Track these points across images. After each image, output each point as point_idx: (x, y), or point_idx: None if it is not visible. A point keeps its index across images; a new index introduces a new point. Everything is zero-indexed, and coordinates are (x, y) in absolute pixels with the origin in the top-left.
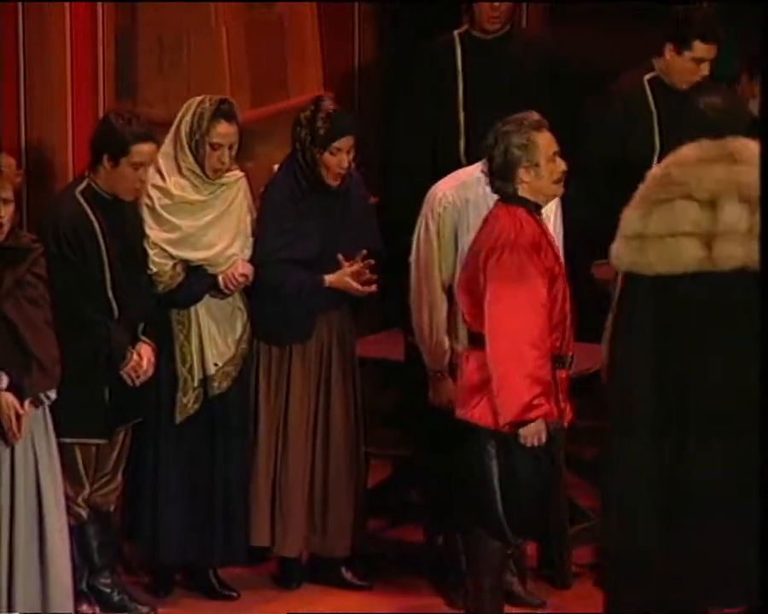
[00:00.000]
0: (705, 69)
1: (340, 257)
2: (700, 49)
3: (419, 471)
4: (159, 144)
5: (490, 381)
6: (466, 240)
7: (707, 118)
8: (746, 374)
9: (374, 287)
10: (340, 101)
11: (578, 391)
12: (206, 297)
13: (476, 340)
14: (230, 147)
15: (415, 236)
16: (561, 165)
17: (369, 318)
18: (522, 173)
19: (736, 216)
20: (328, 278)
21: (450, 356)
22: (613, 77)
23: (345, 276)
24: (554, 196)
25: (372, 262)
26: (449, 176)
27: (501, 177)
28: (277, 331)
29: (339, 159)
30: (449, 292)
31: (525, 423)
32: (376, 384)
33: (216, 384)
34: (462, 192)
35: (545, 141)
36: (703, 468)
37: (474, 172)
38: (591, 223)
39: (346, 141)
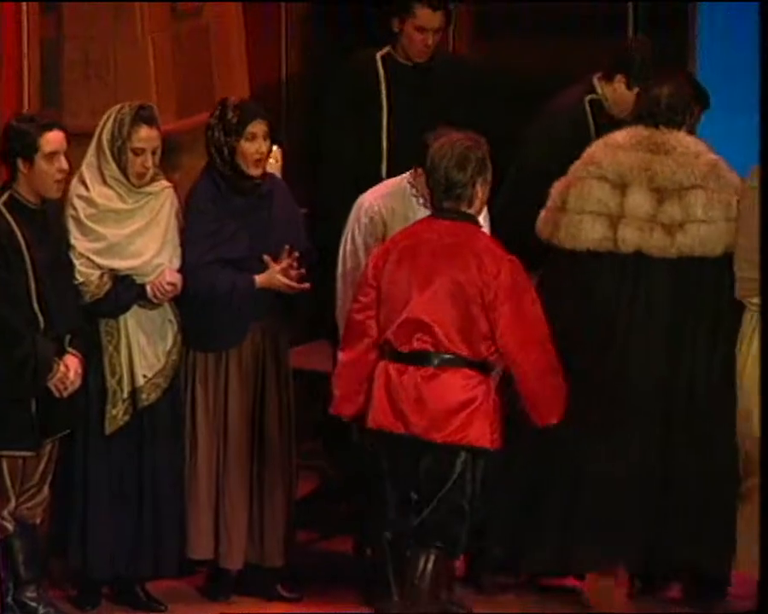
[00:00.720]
0: None
1: (266, 257)
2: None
3: (347, 483)
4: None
5: (477, 399)
6: None
7: (648, 106)
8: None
9: (306, 285)
10: (268, 110)
11: None
12: (136, 307)
13: (454, 362)
14: (153, 152)
15: (341, 247)
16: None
17: (297, 329)
18: (479, 190)
19: (639, 202)
20: (259, 278)
21: None
22: (540, 87)
23: (274, 275)
24: None
25: (298, 255)
26: (375, 186)
27: (460, 198)
28: (210, 337)
29: (256, 145)
30: None
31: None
32: (304, 395)
33: (145, 395)
34: (388, 201)
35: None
36: (612, 441)
37: (401, 182)
38: (520, 235)
39: (259, 126)
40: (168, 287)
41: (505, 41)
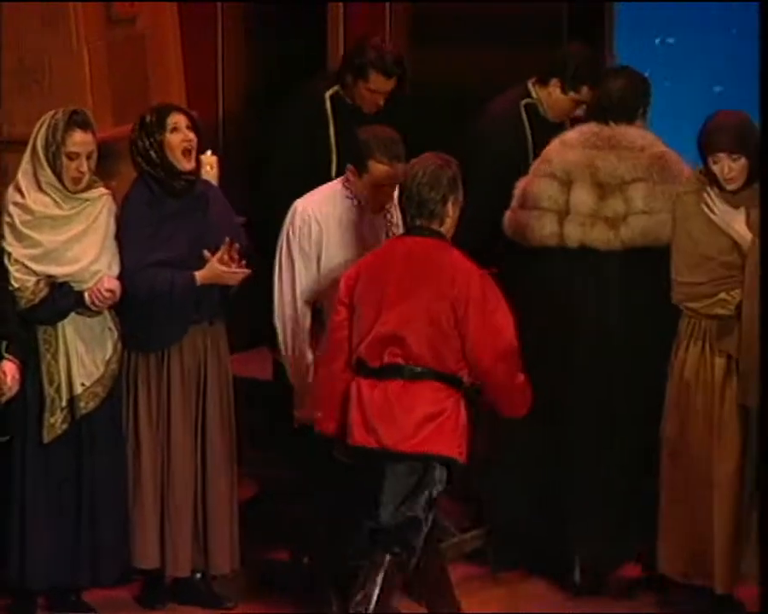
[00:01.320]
0: (580, 110)
1: (206, 253)
2: (585, 93)
3: (291, 491)
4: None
5: (446, 411)
6: (330, 254)
7: (600, 102)
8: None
9: (247, 270)
10: (204, 118)
11: None
12: (74, 315)
13: (424, 375)
14: (88, 157)
15: (277, 252)
16: None
17: (236, 336)
18: (450, 209)
19: (582, 198)
20: (199, 274)
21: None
22: (475, 94)
23: (213, 266)
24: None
25: (237, 245)
26: (310, 192)
27: (431, 215)
28: (150, 336)
29: (181, 135)
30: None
31: None
32: (243, 402)
33: (83, 404)
34: (322, 205)
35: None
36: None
37: (335, 186)
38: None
39: (178, 117)
40: (107, 294)
41: (441, 49)
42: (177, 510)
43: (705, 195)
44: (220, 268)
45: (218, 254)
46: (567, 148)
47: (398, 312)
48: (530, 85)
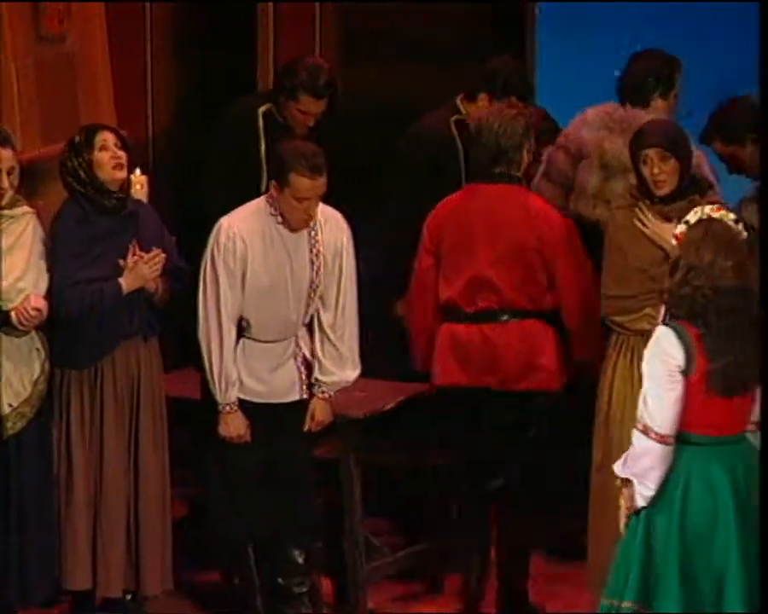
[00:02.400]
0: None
1: (121, 261)
2: (514, 103)
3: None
4: None
5: (544, 348)
6: (254, 271)
7: (620, 84)
8: None
9: (163, 254)
10: (133, 137)
11: (374, 430)
12: (1, 335)
13: (519, 315)
14: (9, 173)
15: (201, 269)
16: None
17: (166, 356)
18: (526, 155)
19: (587, 177)
20: (123, 280)
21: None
22: (404, 114)
23: (135, 269)
24: None
25: (161, 252)
26: (236, 209)
27: (510, 163)
28: (82, 352)
29: (110, 152)
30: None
31: None
32: (172, 422)
33: (10, 424)
34: (247, 221)
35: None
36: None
37: (259, 203)
38: (395, 262)
39: (107, 134)
40: (33, 313)
41: (371, 68)
42: (110, 530)
43: (637, 210)
44: (144, 270)
45: (139, 257)
46: (583, 126)
47: (487, 257)
48: (458, 102)
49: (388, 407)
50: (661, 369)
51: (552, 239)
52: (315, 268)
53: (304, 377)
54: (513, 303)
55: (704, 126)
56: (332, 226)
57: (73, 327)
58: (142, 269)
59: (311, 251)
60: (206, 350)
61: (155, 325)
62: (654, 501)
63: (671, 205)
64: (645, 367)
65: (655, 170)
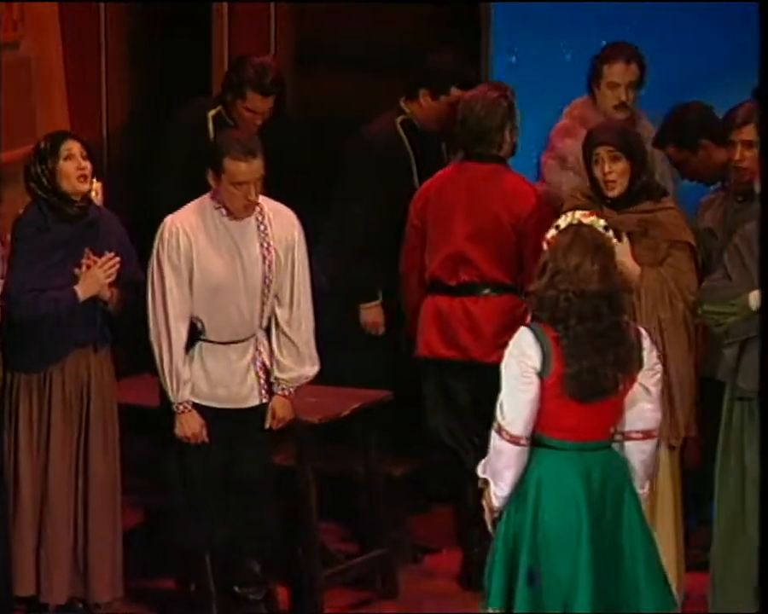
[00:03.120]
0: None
1: (76, 270)
2: (456, 94)
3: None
4: None
5: (515, 323)
6: (201, 266)
7: None
8: None
9: (117, 259)
10: (89, 143)
11: (327, 437)
12: None
13: (499, 289)
14: None
15: (149, 269)
16: None
17: (121, 362)
18: (508, 136)
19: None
20: (79, 288)
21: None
22: (356, 117)
23: (89, 274)
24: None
25: (115, 255)
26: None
27: (491, 143)
28: (34, 356)
29: (75, 163)
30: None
31: None
32: (128, 430)
33: None
34: (190, 217)
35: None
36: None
37: (203, 200)
38: (353, 268)
39: (73, 144)
40: None
41: (327, 71)
42: (55, 536)
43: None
44: (99, 275)
45: (95, 262)
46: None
47: (464, 232)
48: (402, 103)
49: (344, 414)
50: (517, 370)
51: (525, 215)
52: (267, 262)
53: (263, 381)
54: (492, 277)
55: (658, 130)
56: (282, 220)
57: (27, 332)
58: (96, 274)
59: (261, 245)
60: (157, 350)
61: (108, 335)
62: (513, 503)
63: (623, 213)
64: (503, 367)
65: (606, 169)
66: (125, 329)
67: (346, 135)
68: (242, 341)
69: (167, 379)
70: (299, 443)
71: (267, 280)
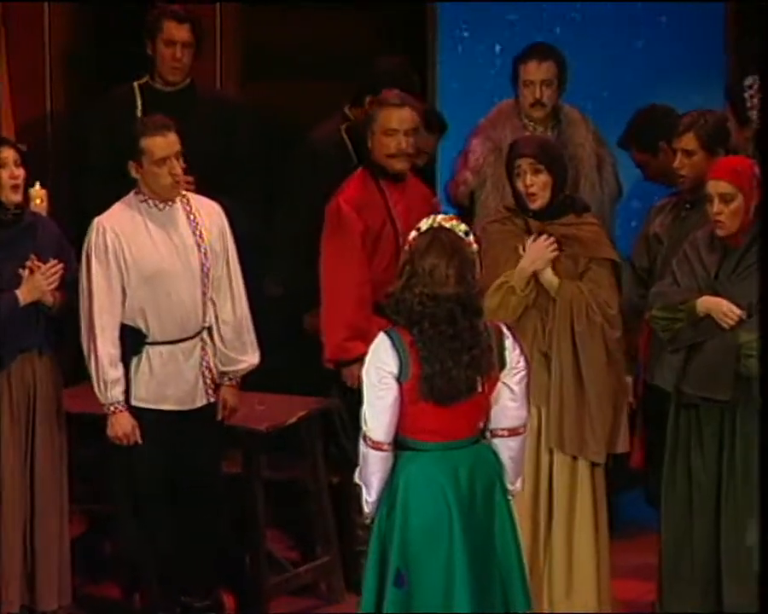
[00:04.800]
0: None
1: (21, 271)
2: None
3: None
4: None
5: None
6: (134, 259)
7: None
8: None
9: (60, 265)
10: (33, 151)
11: (274, 445)
12: None
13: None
14: None
15: (80, 272)
16: (392, 145)
17: (67, 371)
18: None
19: None
20: (20, 292)
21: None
22: (304, 126)
23: (31, 280)
24: (389, 168)
25: (58, 263)
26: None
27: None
28: None
29: (8, 171)
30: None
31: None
32: (73, 437)
33: None
34: (118, 215)
35: (385, 116)
36: None
37: (130, 196)
38: (297, 275)
39: (7, 151)
40: None
41: (273, 81)
42: (7, 544)
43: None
44: (41, 281)
45: (35, 268)
46: None
47: None
48: (346, 110)
49: (291, 421)
50: (375, 376)
51: None
52: (203, 250)
53: (209, 381)
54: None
55: (622, 131)
56: (208, 211)
57: None
58: (38, 281)
59: (194, 233)
60: (86, 351)
61: (52, 339)
62: (383, 507)
63: (548, 224)
64: (363, 374)
65: (528, 182)
66: (70, 334)
67: (294, 144)
68: (189, 339)
69: (95, 380)
70: (246, 450)
71: (205, 268)
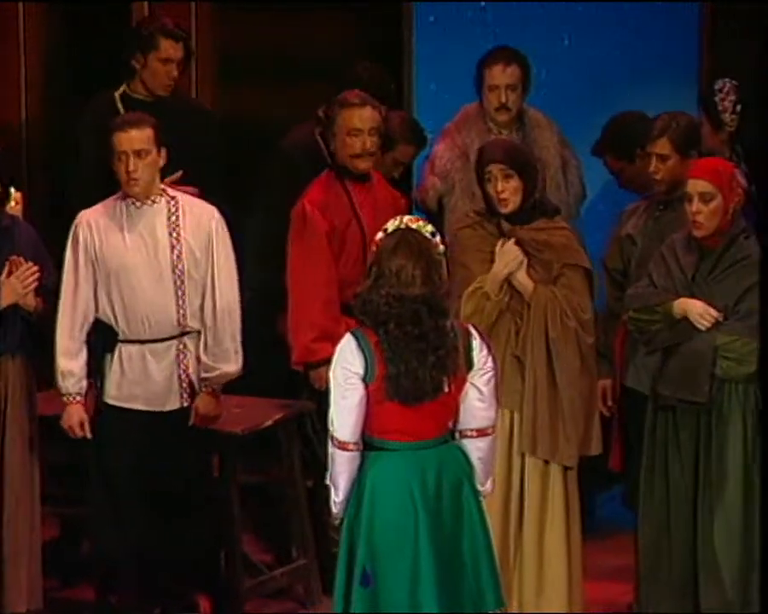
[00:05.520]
0: None
1: None
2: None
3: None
4: None
5: None
6: (105, 253)
7: None
8: None
9: (35, 267)
10: (8, 151)
11: (249, 448)
12: None
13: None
14: None
15: (64, 266)
16: (356, 145)
17: (39, 374)
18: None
19: None
20: None
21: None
22: (278, 130)
23: (7, 284)
24: (353, 168)
25: (33, 266)
26: None
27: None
28: None
29: None
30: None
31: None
32: (46, 440)
33: None
34: (99, 211)
35: (347, 117)
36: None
37: (117, 196)
38: (273, 278)
39: None
40: None
41: (248, 87)
42: None
43: (496, 248)
44: (16, 285)
45: (11, 272)
46: None
47: None
48: (321, 114)
49: (267, 424)
50: (340, 376)
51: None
52: (176, 252)
53: (185, 385)
54: None
55: (597, 139)
56: (198, 213)
57: None
58: (13, 284)
59: (170, 234)
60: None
61: (29, 344)
62: (351, 507)
63: (519, 228)
64: (330, 374)
65: (499, 188)
66: (46, 340)
67: (269, 148)
68: (163, 341)
69: (55, 368)
70: (222, 453)
71: (177, 271)
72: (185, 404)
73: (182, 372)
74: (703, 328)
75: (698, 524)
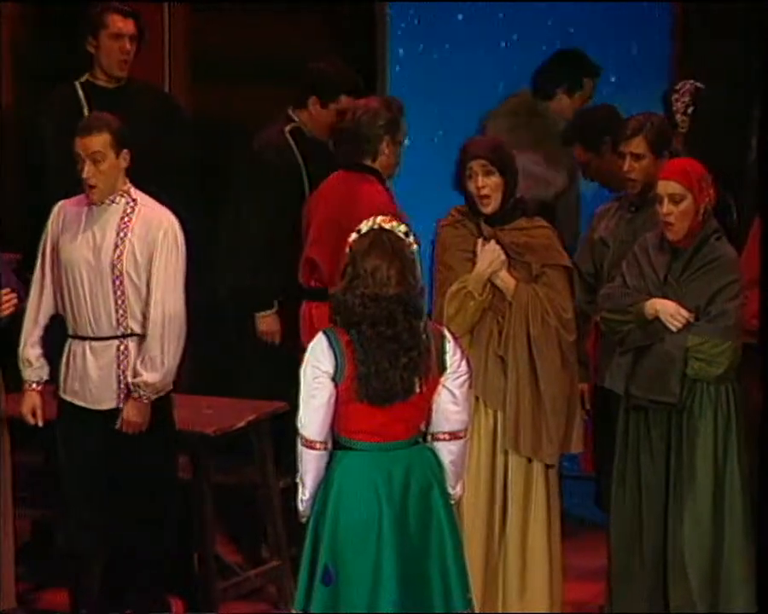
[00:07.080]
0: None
1: None
2: (345, 101)
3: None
4: None
5: None
6: (61, 245)
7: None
8: None
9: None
10: None
11: (222, 449)
12: None
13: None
14: None
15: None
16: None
17: (10, 375)
18: (384, 147)
19: None
20: None
21: None
22: (252, 129)
23: None
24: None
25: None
26: None
27: (365, 151)
28: None
29: None
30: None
31: None
32: (18, 443)
33: None
34: (70, 204)
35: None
36: None
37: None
38: (246, 278)
39: None
40: None
41: (221, 85)
42: None
43: (476, 245)
44: None
45: None
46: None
47: (318, 239)
48: (290, 112)
49: (239, 425)
50: (310, 374)
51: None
52: (118, 252)
53: (122, 385)
54: (334, 283)
55: (564, 128)
56: (150, 218)
57: None
58: None
59: (117, 234)
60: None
61: None
62: (317, 505)
63: (499, 229)
64: (300, 372)
65: (480, 184)
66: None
67: (239, 146)
68: (102, 339)
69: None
70: (194, 454)
71: (116, 271)
72: (121, 405)
73: (120, 373)
74: (675, 329)
75: (668, 523)
